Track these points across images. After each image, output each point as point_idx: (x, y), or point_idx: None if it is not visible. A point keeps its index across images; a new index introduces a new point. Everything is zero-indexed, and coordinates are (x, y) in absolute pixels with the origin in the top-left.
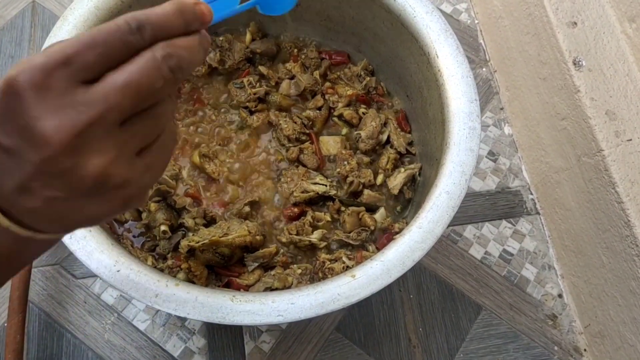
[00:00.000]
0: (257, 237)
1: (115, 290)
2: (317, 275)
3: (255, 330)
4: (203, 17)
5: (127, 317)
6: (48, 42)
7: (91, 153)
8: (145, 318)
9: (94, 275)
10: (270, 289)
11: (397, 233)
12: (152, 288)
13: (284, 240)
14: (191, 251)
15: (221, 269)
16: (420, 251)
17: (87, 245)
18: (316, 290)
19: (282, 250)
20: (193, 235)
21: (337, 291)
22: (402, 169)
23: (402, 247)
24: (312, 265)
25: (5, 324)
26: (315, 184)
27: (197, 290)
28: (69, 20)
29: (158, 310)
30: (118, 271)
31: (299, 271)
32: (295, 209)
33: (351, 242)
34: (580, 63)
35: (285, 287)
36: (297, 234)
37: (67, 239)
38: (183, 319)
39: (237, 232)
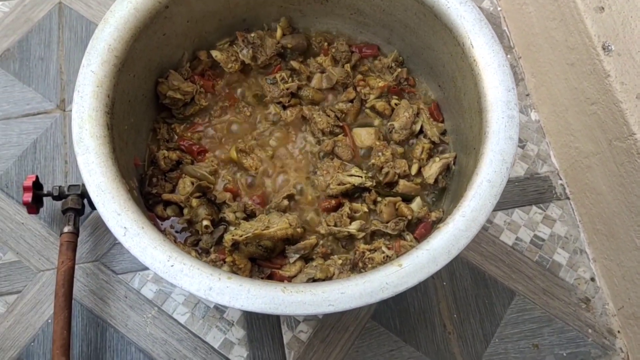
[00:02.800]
0: (298, 230)
1: (167, 284)
2: (357, 266)
3: (293, 321)
4: None
5: (167, 311)
6: (91, 45)
7: None
8: (185, 311)
9: (134, 271)
10: (313, 279)
11: (434, 222)
12: (205, 281)
13: (322, 231)
14: (235, 245)
15: (263, 261)
16: (465, 239)
17: (140, 241)
18: (364, 279)
19: (321, 242)
20: (235, 229)
21: (385, 280)
22: (437, 159)
23: (447, 236)
24: (351, 255)
25: (49, 321)
26: (351, 175)
27: (248, 282)
28: (110, 23)
29: (197, 303)
30: (172, 266)
31: (340, 262)
32: (332, 201)
33: (389, 232)
34: (609, 48)
35: (328, 277)
36: (336, 225)
37: (121, 236)
38: (222, 311)
39: (279, 225)
